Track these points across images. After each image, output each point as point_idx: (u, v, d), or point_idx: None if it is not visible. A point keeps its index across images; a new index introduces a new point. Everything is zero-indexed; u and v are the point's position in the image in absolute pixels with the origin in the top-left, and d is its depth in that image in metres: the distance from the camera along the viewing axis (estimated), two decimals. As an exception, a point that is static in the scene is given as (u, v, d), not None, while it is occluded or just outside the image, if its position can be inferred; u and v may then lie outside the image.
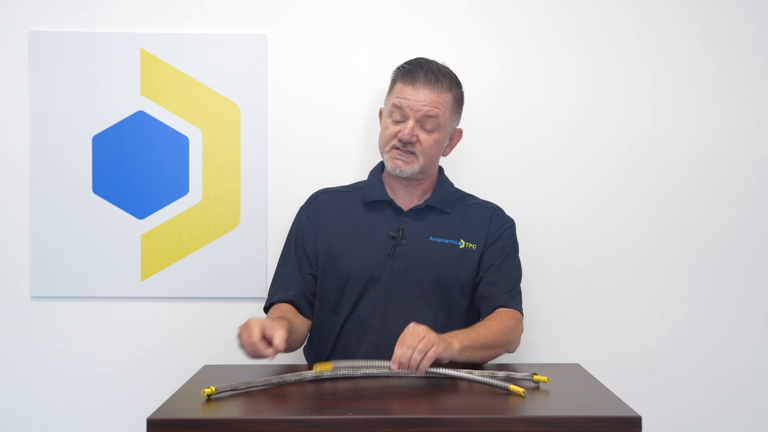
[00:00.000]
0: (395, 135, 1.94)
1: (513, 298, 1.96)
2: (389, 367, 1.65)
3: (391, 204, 2.00)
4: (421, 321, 1.91)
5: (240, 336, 1.72)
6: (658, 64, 2.34)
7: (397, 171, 1.95)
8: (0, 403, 2.33)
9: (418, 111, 1.92)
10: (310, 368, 1.77)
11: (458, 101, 2.00)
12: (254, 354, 1.71)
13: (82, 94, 2.30)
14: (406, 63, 1.99)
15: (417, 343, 1.63)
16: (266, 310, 2.02)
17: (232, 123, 2.32)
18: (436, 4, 2.33)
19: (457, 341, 1.73)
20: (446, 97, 1.94)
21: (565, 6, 2.33)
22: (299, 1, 2.32)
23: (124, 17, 2.30)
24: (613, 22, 2.33)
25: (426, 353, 1.63)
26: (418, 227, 1.97)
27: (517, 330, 1.93)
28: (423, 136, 1.93)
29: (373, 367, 1.69)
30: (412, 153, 1.93)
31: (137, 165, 2.31)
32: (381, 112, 2.05)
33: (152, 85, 2.30)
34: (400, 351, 1.63)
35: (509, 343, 1.90)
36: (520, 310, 1.96)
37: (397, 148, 1.94)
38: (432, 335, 1.65)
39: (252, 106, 2.31)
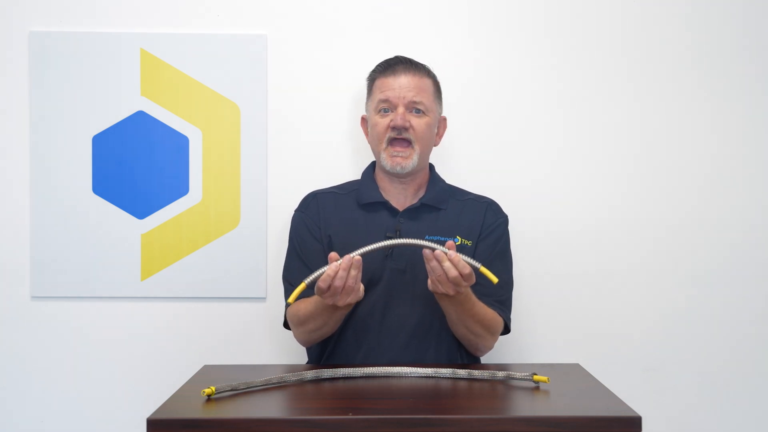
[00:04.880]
0: (387, 126, 1.95)
1: (502, 304, 1.98)
2: (435, 248, 1.72)
3: (386, 205, 2.01)
4: (419, 321, 1.93)
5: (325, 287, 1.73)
6: (662, 64, 2.34)
7: (398, 168, 1.95)
8: (0, 403, 2.33)
9: (404, 97, 1.95)
10: (310, 368, 1.78)
11: (438, 88, 2.04)
12: (342, 285, 1.72)
13: (82, 94, 2.30)
14: (380, 62, 2.03)
15: (460, 282, 1.73)
16: (285, 321, 2.02)
17: (232, 123, 2.32)
18: (438, 4, 2.33)
19: (471, 295, 1.85)
20: (427, 82, 1.99)
21: (568, 4, 2.33)
22: (299, 1, 2.32)
23: (124, 17, 2.30)
24: (615, 20, 2.33)
25: (455, 286, 1.74)
26: (414, 227, 1.97)
27: (494, 336, 1.97)
28: (415, 121, 1.95)
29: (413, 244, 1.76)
30: (408, 142, 1.95)
31: (137, 165, 2.31)
32: (363, 120, 2.08)
33: (152, 85, 2.30)
34: (435, 264, 1.72)
35: (482, 339, 1.94)
36: (507, 319, 1.99)
37: (393, 142, 1.95)
38: (468, 287, 1.79)
39: (252, 106, 2.31)
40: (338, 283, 1.71)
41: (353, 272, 1.72)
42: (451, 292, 1.76)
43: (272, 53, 2.32)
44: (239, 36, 2.31)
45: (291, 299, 1.71)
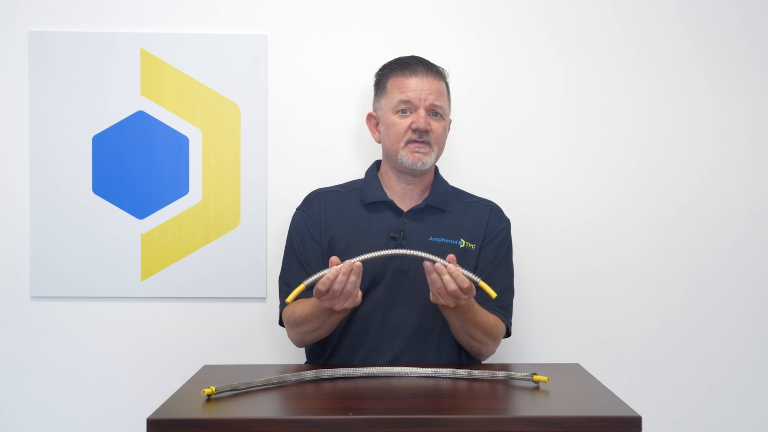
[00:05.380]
0: (408, 128, 1.94)
1: (505, 310, 1.99)
2: (436, 262, 1.73)
3: (390, 205, 2.01)
4: (420, 322, 1.93)
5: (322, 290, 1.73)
6: (663, 67, 2.34)
7: (419, 165, 1.95)
8: (0, 403, 2.33)
9: (425, 100, 1.94)
10: (310, 368, 1.78)
11: (449, 91, 2.04)
12: (341, 289, 1.72)
13: (82, 94, 2.30)
14: (394, 60, 2.03)
15: (460, 295, 1.73)
16: (281, 320, 2.03)
17: (232, 123, 2.32)
18: (439, 4, 2.33)
19: (474, 304, 1.85)
20: (443, 85, 2.00)
21: (574, 7, 2.33)
22: (299, 1, 2.32)
23: (124, 17, 2.30)
24: (619, 24, 2.33)
25: (455, 299, 1.75)
26: (418, 228, 1.97)
27: (496, 341, 1.98)
28: (434, 124, 1.96)
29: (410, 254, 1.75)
30: (427, 143, 1.95)
31: (137, 165, 2.31)
32: (370, 117, 2.06)
33: (152, 85, 2.30)
34: (435, 277, 1.72)
35: (485, 345, 1.95)
36: (508, 324, 2.00)
37: (413, 141, 1.94)
38: (468, 300, 1.79)
39: (252, 106, 2.31)
40: (337, 286, 1.71)
41: (353, 278, 1.72)
42: (451, 305, 1.77)
43: (272, 53, 2.32)
44: (239, 36, 2.31)
45: (289, 299, 1.71)
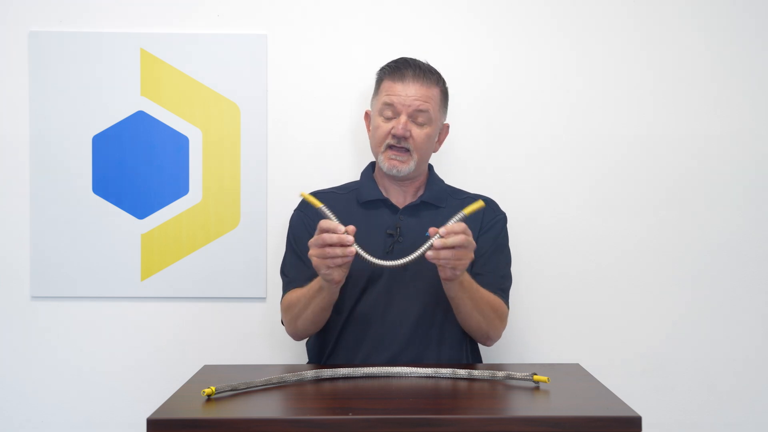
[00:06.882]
0: (388, 132, 1.95)
1: (503, 292, 1.99)
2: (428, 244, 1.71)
3: (386, 203, 2.01)
4: (420, 316, 1.94)
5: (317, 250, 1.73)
6: (657, 63, 2.34)
7: (394, 171, 1.95)
8: (0, 403, 2.33)
9: (409, 106, 1.94)
10: (310, 368, 1.78)
11: (445, 96, 2.03)
12: (333, 248, 1.71)
13: (82, 94, 2.30)
14: (391, 62, 2.02)
15: (455, 262, 1.71)
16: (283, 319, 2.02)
17: (232, 123, 2.32)
18: (437, 3, 2.33)
19: (467, 276, 1.84)
20: (434, 92, 1.98)
21: (564, 3, 2.33)
22: (299, 1, 2.32)
23: (124, 17, 2.30)
24: (611, 20, 2.34)
25: (453, 265, 1.72)
26: (414, 224, 1.97)
27: (502, 321, 1.97)
28: (416, 131, 1.95)
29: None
30: (407, 150, 1.95)
31: (137, 165, 2.31)
32: (367, 115, 2.08)
33: (152, 85, 2.30)
34: (446, 253, 1.70)
35: (493, 326, 1.94)
36: (507, 305, 1.99)
37: (392, 147, 1.95)
38: (465, 263, 1.76)
39: (252, 106, 2.31)
40: (326, 237, 1.71)
41: (339, 250, 1.71)
42: (466, 262, 1.74)
43: (272, 53, 2.32)
44: (239, 36, 2.31)
45: (304, 194, 1.76)
